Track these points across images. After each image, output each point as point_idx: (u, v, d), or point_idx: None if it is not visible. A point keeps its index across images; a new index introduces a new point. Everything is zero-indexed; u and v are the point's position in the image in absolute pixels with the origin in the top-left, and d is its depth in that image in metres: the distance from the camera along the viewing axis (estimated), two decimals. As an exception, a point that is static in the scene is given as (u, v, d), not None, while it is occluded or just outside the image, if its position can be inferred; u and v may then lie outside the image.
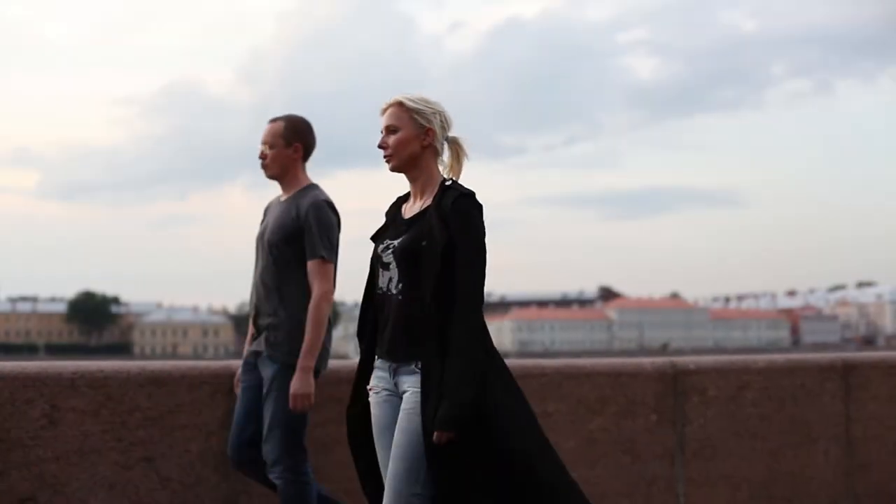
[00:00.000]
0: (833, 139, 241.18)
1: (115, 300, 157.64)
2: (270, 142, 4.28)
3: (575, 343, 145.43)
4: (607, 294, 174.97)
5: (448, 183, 3.25)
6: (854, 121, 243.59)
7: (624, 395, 5.04)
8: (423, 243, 3.15)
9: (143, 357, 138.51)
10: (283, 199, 4.29)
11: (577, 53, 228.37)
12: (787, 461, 5.35)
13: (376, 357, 3.30)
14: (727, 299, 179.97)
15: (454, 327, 3.07)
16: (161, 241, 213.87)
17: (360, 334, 3.34)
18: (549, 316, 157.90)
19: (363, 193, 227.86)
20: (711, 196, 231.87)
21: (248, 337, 4.24)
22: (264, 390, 4.08)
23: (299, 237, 4.14)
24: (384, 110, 3.33)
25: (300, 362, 4.02)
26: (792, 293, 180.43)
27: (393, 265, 3.22)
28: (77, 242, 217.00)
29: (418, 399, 3.10)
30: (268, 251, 4.19)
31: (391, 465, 3.12)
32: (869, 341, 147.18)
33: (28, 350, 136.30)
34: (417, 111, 3.29)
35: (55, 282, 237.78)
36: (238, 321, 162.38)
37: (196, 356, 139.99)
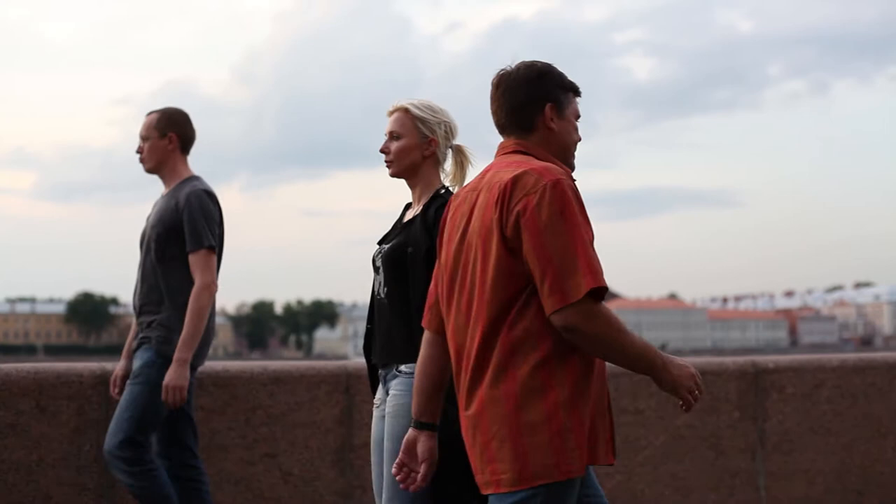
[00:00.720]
0: (830, 140, 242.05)
1: (114, 301, 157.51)
2: (145, 134, 4.19)
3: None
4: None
5: (442, 192, 3.27)
6: (851, 121, 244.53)
7: (709, 393, 5.23)
8: (409, 250, 3.17)
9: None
10: (164, 193, 4.20)
11: (573, 54, 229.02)
12: (859, 455, 5.55)
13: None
14: (725, 300, 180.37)
15: None
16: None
17: (365, 341, 3.34)
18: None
19: (361, 194, 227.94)
20: (708, 197, 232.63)
21: (132, 333, 4.17)
22: (131, 376, 4.00)
23: (180, 230, 4.03)
24: (390, 114, 3.34)
25: (177, 354, 3.92)
26: (790, 294, 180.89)
27: (382, 270, 3.25)
28: (74, 243, 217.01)
29: (400, 401, 3.06)
30: (149, 247, 4.09)
31: (385, 471, 3.09)
32: (867, 342, 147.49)
33: (27, 351, 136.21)
34: (422, 119, 3.29)
35: (52, 282, 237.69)
36: (237, 322, 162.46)
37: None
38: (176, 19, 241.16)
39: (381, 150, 3.31)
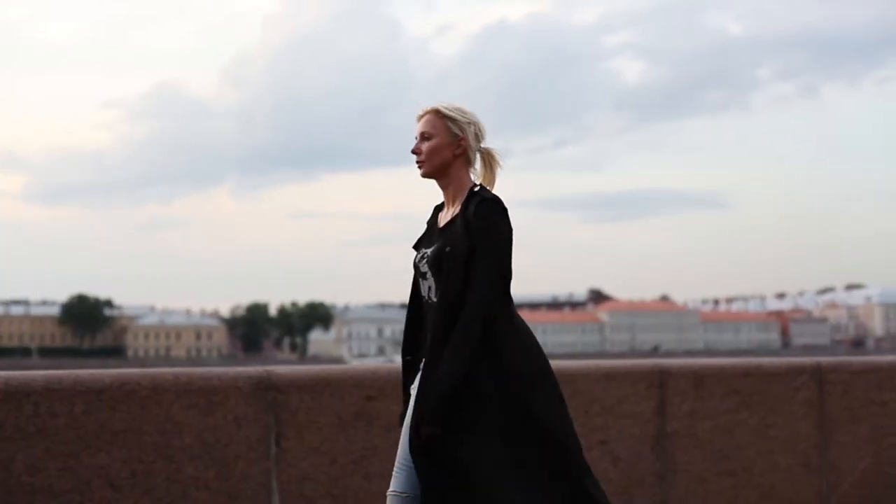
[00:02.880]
0: (820, 142, 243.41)
1: (108, 303, 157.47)
2: None
3: (567, 345, 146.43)
4: (598, 297, 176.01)
5: (476, 189, 3.33)
6: (841, 123, 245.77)
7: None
8: (447, 249, 3.24)
9: (137, 360, 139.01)
10: None
11: (564, 56, 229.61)
12: None
13: (422, 362, 3.39)
14: (716, 302, 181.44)
15: (459, 324, 3.17)
16: (151, 244, 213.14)
17: (404, 341, 3.46)
18: (541, 319, 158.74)
19: (354, 196, 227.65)
20: (699, 199, 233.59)
21: None
22: None
23: None
24: (420, 117, 3.40)
25: None
26: (781, 295, 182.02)
27: (429, 274, 3.33)
28: (65, 246, 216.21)
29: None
30: None
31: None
32: (858, 343, 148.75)
33: (22, 353, 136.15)
34: (452, 120, 3.36)
35: (45, 285, 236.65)
36: (231, 324, 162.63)
37: (190, 359, 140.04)
38: (166, 22, 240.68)
39: (413, 151, 3.38)
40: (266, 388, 4.52)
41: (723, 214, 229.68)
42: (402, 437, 3.35)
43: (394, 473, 3.34)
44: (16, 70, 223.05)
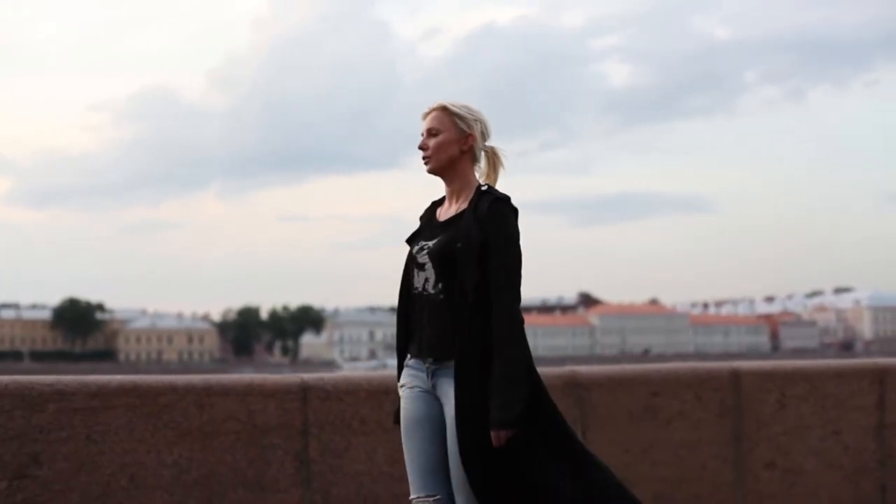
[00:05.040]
0: (808, 145, 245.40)
1: (100, 307, 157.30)
2: None
3: (558, 349, 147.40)
4: (587, 300, 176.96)
5: (484, 188, 3.36)
6: (829, 127, 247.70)
7: None
8: (459, 245, 3.25)
9: (129, 364, 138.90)
10: None
11: (551, 60, 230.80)
12: None
13: (408, 356, 3.43)
14: (705, 305, 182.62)
15: (497, 327, 3.18)
16: (142, 247, 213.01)
17: (399, 335, 3.47)
18: (532, 322, 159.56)
19: (341, 200, 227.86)
20: (687, 202, 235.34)
21: None
22: None
23: None
24: (427, 114, 3.43)
25: None
26: (770, 299, 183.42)
27: (428, 266, 3.34)
28: (54, 249, 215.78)
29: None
30: None
31: (455, 470, 3.26)
32: (847, 346, 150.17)
33: (13, 357, 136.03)
34: (459, 116, 3.39)
35: (36, 288, 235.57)
36: (223, 328, 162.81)
37: (181, 363, 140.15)
38: (154, 24, 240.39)
39: (420, 147, 3.41)
40: (573, 385, 5.20)
41: (711, 217, 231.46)
42: (419, 440, 3.36)
43: (416, 478, 3.35)
44: (2, 72, 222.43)
